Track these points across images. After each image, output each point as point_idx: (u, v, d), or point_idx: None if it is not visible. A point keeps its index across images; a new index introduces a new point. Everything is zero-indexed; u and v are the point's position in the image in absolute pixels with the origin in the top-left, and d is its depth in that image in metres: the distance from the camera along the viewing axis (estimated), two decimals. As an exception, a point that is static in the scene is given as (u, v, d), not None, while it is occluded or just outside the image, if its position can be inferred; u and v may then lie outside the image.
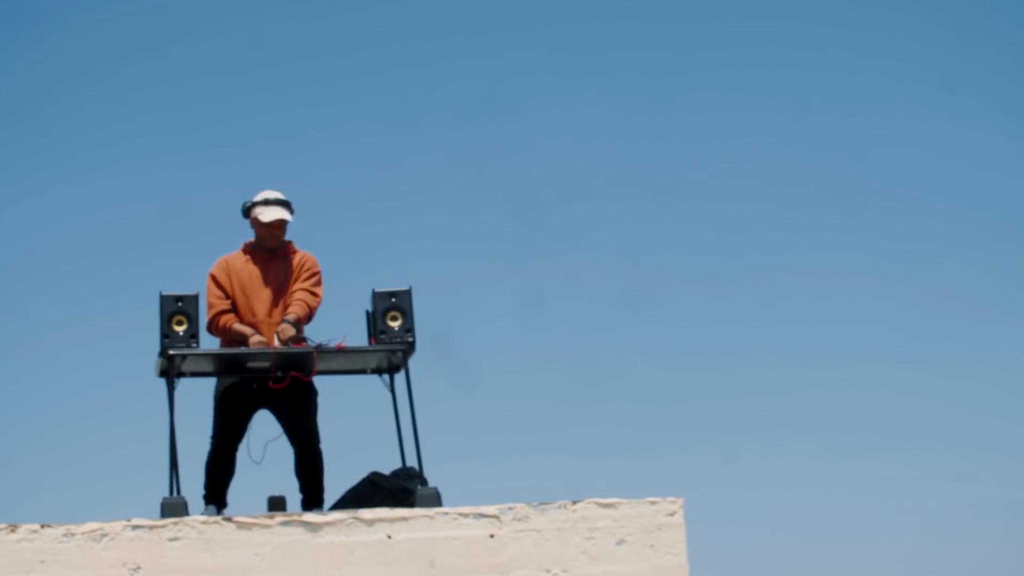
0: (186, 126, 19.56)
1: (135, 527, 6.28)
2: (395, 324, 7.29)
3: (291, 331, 7.40)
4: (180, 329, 7.02)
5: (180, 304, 7.05)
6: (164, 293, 7.06)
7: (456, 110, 19.71)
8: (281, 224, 7.67)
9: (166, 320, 7.02)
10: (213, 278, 7.63)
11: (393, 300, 7.32)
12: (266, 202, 7.63)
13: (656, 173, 19.52)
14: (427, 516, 6.55)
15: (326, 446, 7.52)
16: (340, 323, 8.48)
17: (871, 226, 19.08)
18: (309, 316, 7.60)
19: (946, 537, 16.29)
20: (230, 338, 7.50)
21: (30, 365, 18.22)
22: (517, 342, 18.61)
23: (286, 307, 7.59)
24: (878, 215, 19.26)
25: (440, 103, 19.65)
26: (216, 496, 7.45)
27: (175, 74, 19.42)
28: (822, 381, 18.31)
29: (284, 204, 7.66)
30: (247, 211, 7.71)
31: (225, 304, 7.55)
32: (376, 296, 7.33)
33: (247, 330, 7.47)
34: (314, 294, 7.65)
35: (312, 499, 7.47)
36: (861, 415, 17.76)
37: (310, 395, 7.54)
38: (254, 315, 7.57)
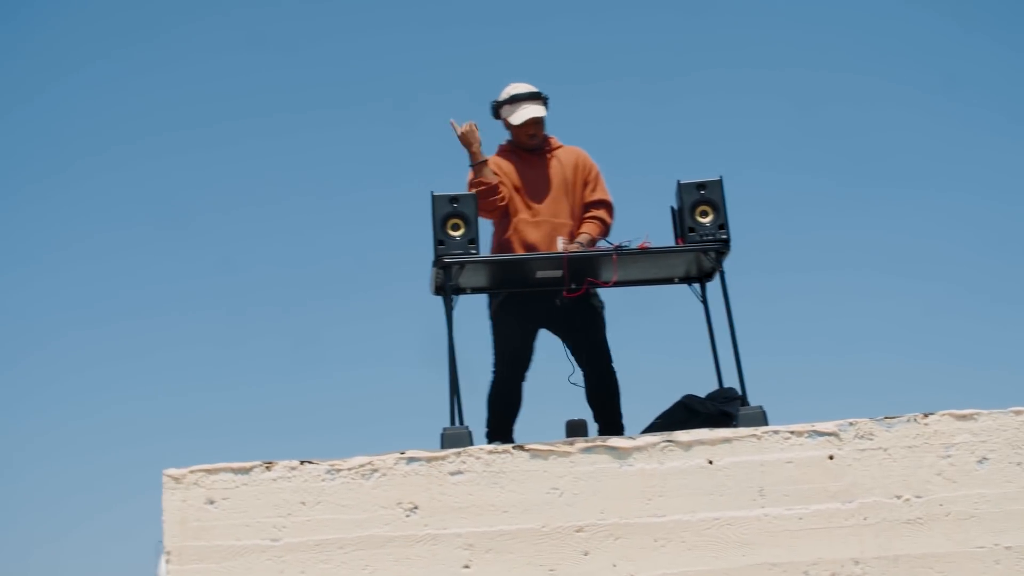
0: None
1: (410, 460, 5.40)
2: (706, 220, 6.19)
3: (574, 246, 6.48)
4: (456, 234, 6.07)
5: (455, 205, 6.10)
6: (436, 193, 6.12)
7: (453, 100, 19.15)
8: (537, 122, 6.79)
9: (440, 224, 6.07)
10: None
11: (702, 192, 6.21)
12: (512, 100, 6.77)
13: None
14: (754, 436, 5.51)
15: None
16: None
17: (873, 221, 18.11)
18: (596, 242, 6.70)
19: None
20: (480, 191, 6.56)
21: (287, 290, 18.25)
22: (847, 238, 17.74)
23: (570, 211, 6.76)
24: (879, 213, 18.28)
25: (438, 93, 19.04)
26: (502, 432, 6.62)
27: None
28: None
29: (536, 97, 6.77)
30: (496, 112, 6.88)
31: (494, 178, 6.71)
32: (682, 188, 6.23)
33: (490, 175, 6.64)
34: (606, 222, 6.81)
35: (611, 426, 6.55)
36: None
37: (600, 309, 6.69)
38: (531, 213, 6.71)
